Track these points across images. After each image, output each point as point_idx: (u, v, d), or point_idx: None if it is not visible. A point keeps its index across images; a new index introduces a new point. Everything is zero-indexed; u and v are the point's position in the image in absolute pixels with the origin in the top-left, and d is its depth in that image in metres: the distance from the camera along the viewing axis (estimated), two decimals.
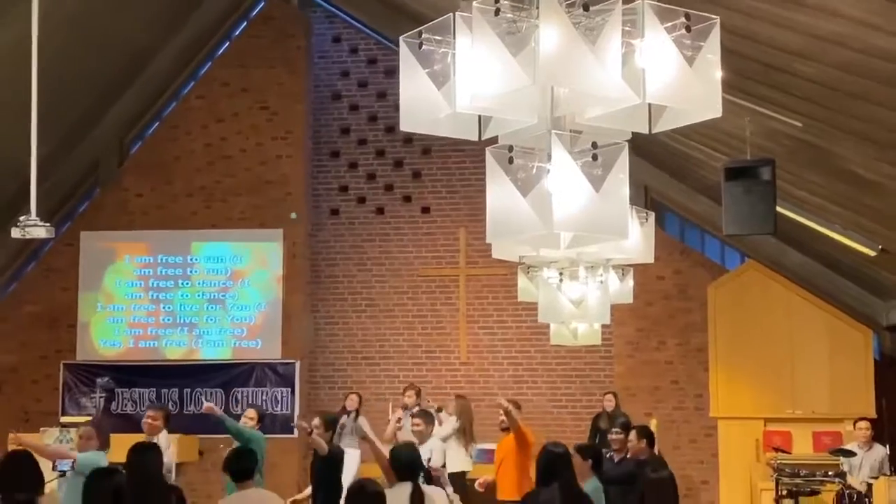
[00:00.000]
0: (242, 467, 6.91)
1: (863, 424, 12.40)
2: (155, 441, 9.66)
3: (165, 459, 9.71)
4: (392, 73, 16.58)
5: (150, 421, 10.53)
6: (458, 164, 16.60)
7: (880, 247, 10.98)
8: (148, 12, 15.47)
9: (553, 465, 6.65)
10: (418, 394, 14.02)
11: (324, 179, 17.13)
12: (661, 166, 15.07)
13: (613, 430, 9.59)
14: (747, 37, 7.52)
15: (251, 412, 11.24)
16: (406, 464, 6.90)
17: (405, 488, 6.72)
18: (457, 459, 12.63)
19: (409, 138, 16.65)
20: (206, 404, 11.40)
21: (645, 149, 13.50)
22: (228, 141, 16.77)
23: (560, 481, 6.53)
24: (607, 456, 9.47)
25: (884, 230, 10.75)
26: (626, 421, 9.95)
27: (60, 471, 8.70)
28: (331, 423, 10.04)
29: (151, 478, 6.63)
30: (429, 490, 7.00)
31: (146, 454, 6.81)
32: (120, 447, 10.68)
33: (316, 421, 9.92)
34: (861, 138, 8.67)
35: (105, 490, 5.94)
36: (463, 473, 12.66)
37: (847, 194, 10.48)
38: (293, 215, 16.44)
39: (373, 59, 17.18)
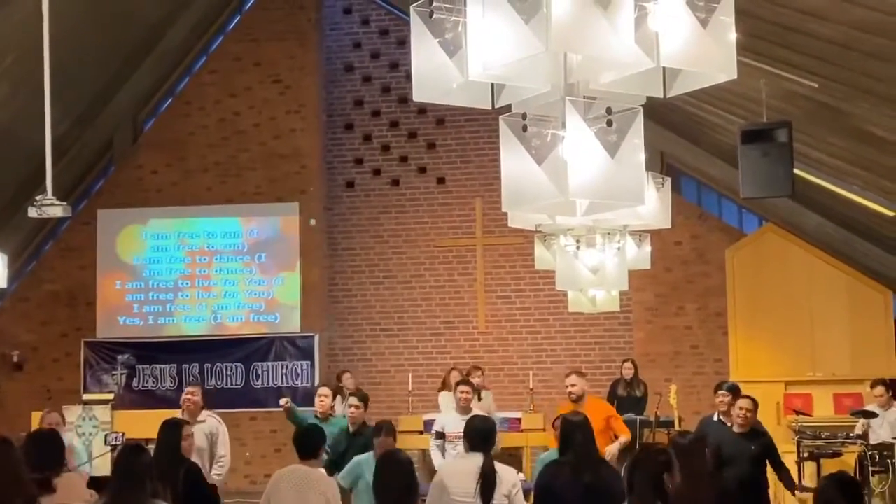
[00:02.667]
0: (304, 445, 6.84)
1: (878, 391, 12.36)
2: (202, 420, 9.49)
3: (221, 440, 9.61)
4: (404, 43, 16.51)
5: (187, 397, 9.56)
6: (472, 133, 16.56)
7: None
8: None
9: (569, 433, 6.67)
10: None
11: (338, 152, 17.11)
12: (676, 131, 14.96)
13: (720, 392, 9.57)
14: None
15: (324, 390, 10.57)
16: (480, 434, 6.86)
17: (476, 459, 6.65)
18: None
19: (422, 109, 16.61)
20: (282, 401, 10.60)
21: (660, 114, 13.42)
22: (242, 115, 16.76)
23: (576, 449, 6.55)
24: (715, 419, 9.43)
25: None
26: (734, 385, 9.87)
27: (112, 445, 8.72)
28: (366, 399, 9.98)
29: (173, 453, 6.69)
30: (500, 467, 6.95)
31: (172, 430, 6.87)
32: (140, 423, 10.76)
33: (352, 400, 9.93)
34: (879, 98, 8.58)
35: (139, 465, 5.93)
36: None
37: (865, 155, 10.38)
38: (312, 222, 16.48)
39: (384, 30, 17.10)
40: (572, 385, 10.00)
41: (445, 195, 16.77)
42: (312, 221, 16.56)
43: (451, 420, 10.18)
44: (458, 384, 10.42)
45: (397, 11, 16.77)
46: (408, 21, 4.85)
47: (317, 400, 10.22)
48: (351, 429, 9.58)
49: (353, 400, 9.86)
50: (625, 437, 9.90)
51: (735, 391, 9.61)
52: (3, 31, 12.49)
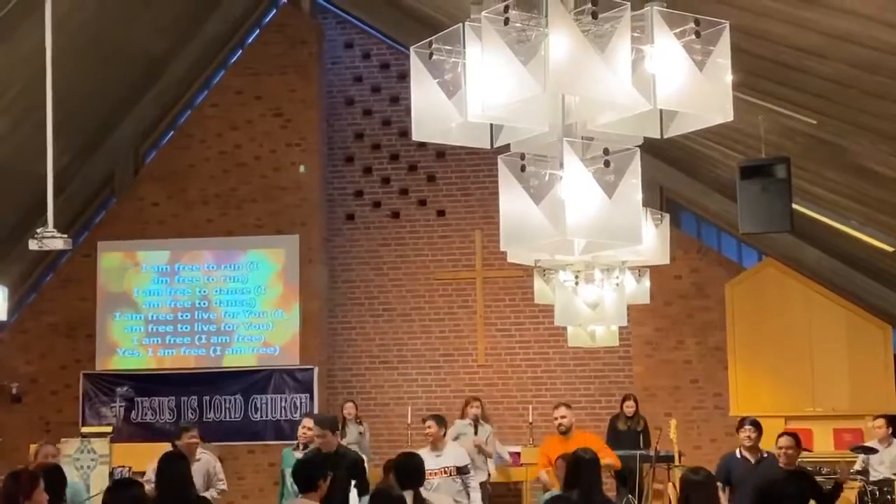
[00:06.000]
0: (304, 477, 6.80)
1: (877, 422, 12.37)
2: (198, 458, 9.54)
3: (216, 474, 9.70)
4: (405, 77, 16.58)
5: (193, 441, 9.71)
6: (472, 167, 16.61)
7: None
8: (161, 21, 15.53)
9: (577, 469, 6.66)
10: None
11: (339, 185, 17.15)
12: (676, 166, 15.02)
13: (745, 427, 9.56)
14: (759, 36, 7.49)
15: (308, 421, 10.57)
16: (409, 472, 6.89)
17: (406, 497, 6.68)
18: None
19: (422, 142, 16.61)
20: None
21: (660, 149, 13.48)
22: (243, 148, 16.81)
23: (582, 487, 6.54)
24: (738, 455, 9.46)
25: None
26: (755, 420, 9.81)
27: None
28: (331, 424, 9.46)
29: (182, 488, 6.64)
30: (432, 497, 6.97)
31: (177, 464, 6.83)
32: (139, 456, 10.73)
33: (313, 427, 9.64)
34: (876, 134, 8.62)
35: (127, 501, 5.95)
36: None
37: (863, 190, 10.42)
38: (302, 168, 16.45)
39: (385, 64, 17.20)
40: (562, 416, 9.95)
41: (445, 228, 16.79)
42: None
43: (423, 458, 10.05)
44: (424, 420, 10.32)
45: (398, 46, 16.86)
46: (408, 55, 4.90)
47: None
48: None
49: (316, 430, 9.50)
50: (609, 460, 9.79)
51: (758, 426, 9.53)
52: (6, 65, 12.56)
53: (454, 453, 9.87)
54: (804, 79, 8.07)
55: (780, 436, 9.39)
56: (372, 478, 9.97)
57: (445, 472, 9.62)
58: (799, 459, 12.32)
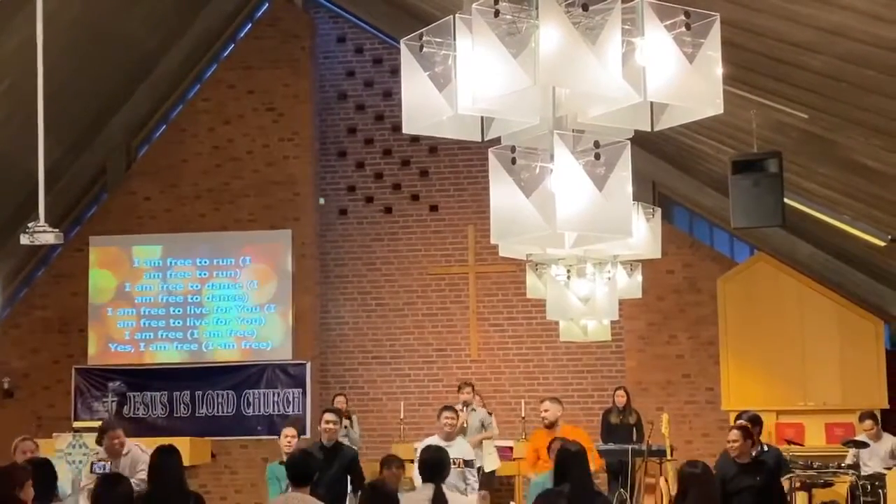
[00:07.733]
0: (299, 472, 6.79)
1: (867, 424, 12.36)
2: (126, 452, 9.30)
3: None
4: (397, 72, 16.39)
5: (115, 442, 9.26)
6: (465, 161, 16.59)
7: (890, 237, 10.93)
8: (153, 15, 15.50)
9: (566, 463, 6.66)
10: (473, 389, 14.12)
11: (331, 179, 17.13)
12: (668, 160, 15.03)
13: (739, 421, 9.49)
14: (751, 30, 7.49)
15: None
16: (431, 466, 6.89)
17: (427, 490, 6.71)
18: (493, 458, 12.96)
19: (415, 137, 16.57)
20: None
21: (652, 143, 13.48)
22: (235, 143, 16.78)
23: (573, 480, 6.53)
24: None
25: (893, 220, 10.71)
26: (755, 415, 9.68)
27: (98, 474, 8.61)
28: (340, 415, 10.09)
29: (175, 481, 6.62)
30: (451, 495, 6.98)
31: (171, 457, 6.81)
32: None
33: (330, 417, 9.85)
34: (868, 129, 8.64)
35: (118, 497, 5.94)
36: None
37: (856, 185, 10.44)
38: (321, 200, 16.62)
39: (378, 59, 17.17)
40: (545, 410, 10.03)
41: (438, 223, 16.78)
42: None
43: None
44: (441, 410, 10.35)
45: (391, 40, 16.82)
46: (400, 50, 4.88)
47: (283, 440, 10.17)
48: (327, 443, 9.59)
49: (329, 416, 9.82)
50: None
51: (754, 421, 9.43)
52: None
53: (464, 447, 10.00)
54: (796, 73, 8.08)
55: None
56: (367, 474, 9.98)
57: (454, 464, 9.76)
58: (790, 454, 12.42)
